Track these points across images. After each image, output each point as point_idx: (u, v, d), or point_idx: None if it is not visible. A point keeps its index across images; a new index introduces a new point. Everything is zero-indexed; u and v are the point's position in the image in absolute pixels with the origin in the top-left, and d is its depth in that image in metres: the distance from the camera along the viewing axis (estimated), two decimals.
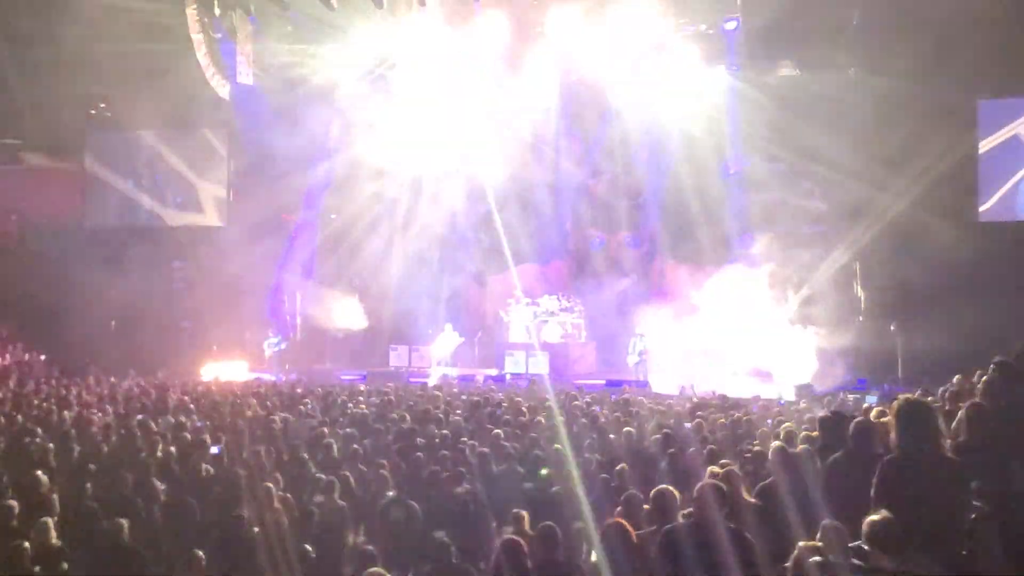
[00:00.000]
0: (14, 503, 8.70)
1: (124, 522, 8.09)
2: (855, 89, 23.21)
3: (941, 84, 21.29)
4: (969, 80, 22.05)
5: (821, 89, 23.98)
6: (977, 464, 6.44)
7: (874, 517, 5.36)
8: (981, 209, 23.58)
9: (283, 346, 27.43)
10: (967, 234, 22.02)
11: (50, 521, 8.30)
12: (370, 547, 8.12)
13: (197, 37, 26.67)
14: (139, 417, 14.68)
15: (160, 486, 10.01)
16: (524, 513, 8.28)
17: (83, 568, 8.02)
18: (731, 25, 25.49)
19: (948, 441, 6.98)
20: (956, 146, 22.60)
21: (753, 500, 7.76)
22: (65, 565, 7.98)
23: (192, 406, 16.36)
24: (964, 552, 5.74)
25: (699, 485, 6.53)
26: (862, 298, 24.39)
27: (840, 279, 24.51)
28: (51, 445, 11.95)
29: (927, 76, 21.12)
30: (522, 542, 6.80)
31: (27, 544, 7.76)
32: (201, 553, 7.72)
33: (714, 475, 7.86)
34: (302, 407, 15.93)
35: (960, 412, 7.63)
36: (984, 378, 8.40)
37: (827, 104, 23.54)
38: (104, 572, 7.86)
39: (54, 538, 8.20)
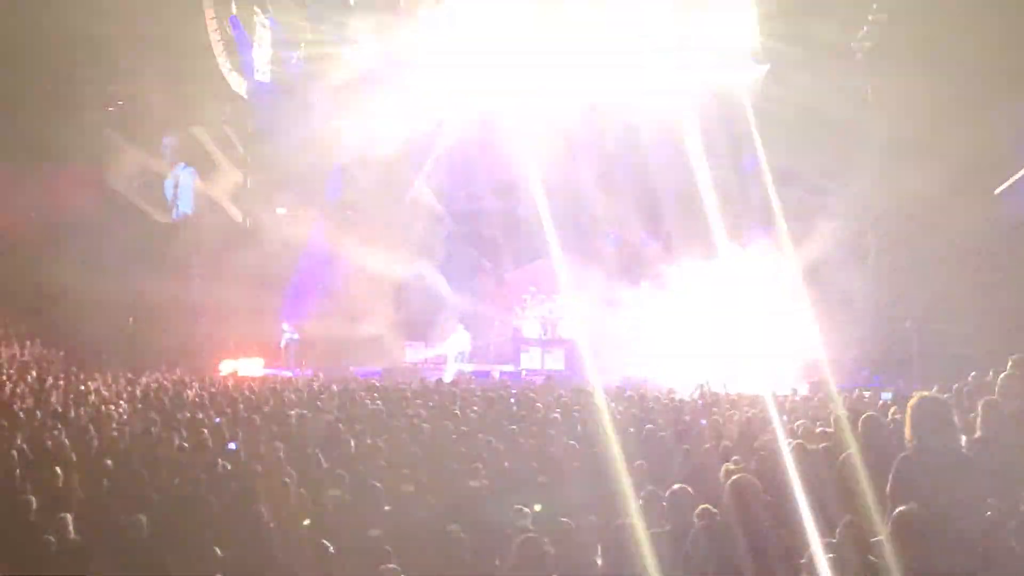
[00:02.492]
0: (32, 498, 8.74)
1: (143, 518, 8.12)
2: (872, 84, 23.09)
3: (959, 78, 21.15)
4: (988, 73, 21.88)
5: (838, 84, 23.86)
6: (993, 461, 6.42)
7: (902, 509, 5.34)
8: (999, 204, 23.40)
9: (296, 336, 27.51)
10: (985, 232, 21.90)
11: (68, 516, 8.35)
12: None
13: (214, 35, 26.83)
14: (156, 413, 14.79)
15: (177, 481, 10.07)
16: (527, 509, 8.30)
17: (101, 563, 8.06)
18: (748, 22, 25.44)
19: (964, 438, 6.95)
20: (975, 142, 22.46)
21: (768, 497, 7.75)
22: (83, 560, 8.03)
23: (209, 402, 16.45)
24: (980, 549, 5.72)
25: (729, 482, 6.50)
26: (878, 294, 24.29)
27: (857, 276, 24.42)
28: (68, 440, 12.05)
29: (945, 70, 20.99)
30: (540, 540, 6.81)
31: (52, 539, 7.81)
32: (218, 549, 7.75)
33: (728, 473, 7.85)
34: (318, 403, 15.99)
35: (976, 409, 7.60)
36: (1001, 375, 8.37)
37: (843, 99, 23.45)
38: (125, 567, 7.90)
39: (72, 533, 8.25)
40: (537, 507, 8.69)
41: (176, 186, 30.69)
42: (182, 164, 30.59)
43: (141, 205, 30.19)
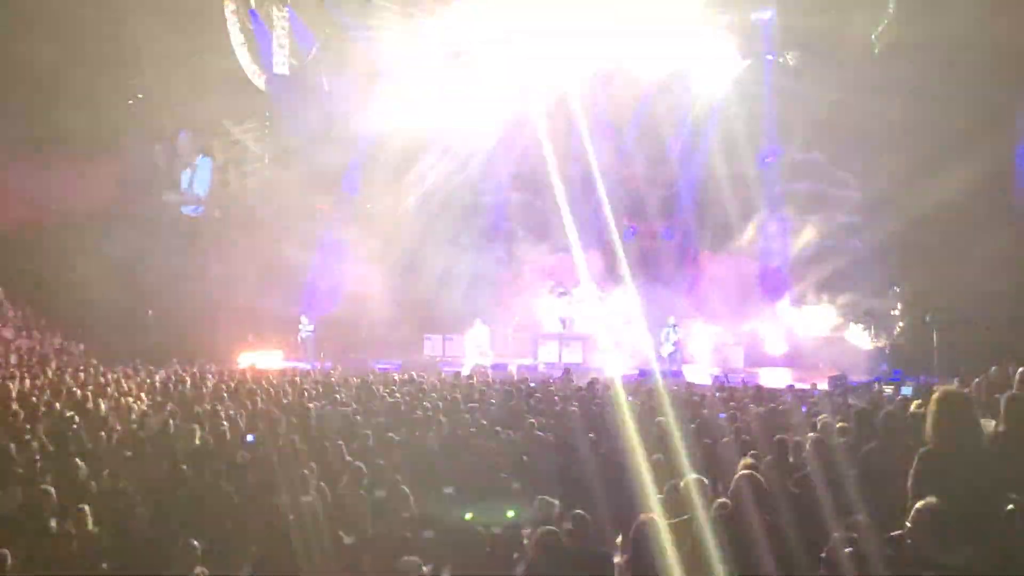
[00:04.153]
0: (52, 489, 8.77)
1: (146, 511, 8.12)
2: (892, 80, 22.90)
3: (979, 76, 20.98)
4: (1008, 72, 21.69)
5: (857, 80, 23.71)
6: (1014, 455, 6.37)
7: (922, 503, 5.30)
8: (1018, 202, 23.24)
9: (311, 327, 27.55)
10: (1003, 227, 21.74)
11: (87, 508, 8.38)
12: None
13: (234, 29, 26.88)
14: (176, 406, 14.84)
15: (196, 474, 10.09)
16: (555, 501, 8.28)
17: (119, 554, 8.09)
18: (766, 14, 25.32)
19: (985, 432, 6.90)
20: (994, 139, 22.28)
21: (790, 490, 7.71)
22: (101, 551, 8.05)
23: (228, 394, 16.49)
24: (1001, 544, 5.68)
25: (736, 477, 6.49)
26: (898, 288, 24.17)
27: (876, 270, 24.31)
28: (88, 433, 12.10)
29: (965, 67, 20.82)
30: (559, 533, 6.80)
31: (72, 531, 7.84)
32: (196, 542, 7.61)
33: (747, 466, 7.82)
34: (337, 395, 16.01)
35: (998, 403, 7.53)
36: (1021, 369, 8.30)
37: (862, 95, 23.30)
38: (142, 559, 7.92)
39: (91, 524, 8.28)
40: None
41: (192, 176, 30.84)
42: (200, 155, 30.73)
43: (161, 198, 30.38)
